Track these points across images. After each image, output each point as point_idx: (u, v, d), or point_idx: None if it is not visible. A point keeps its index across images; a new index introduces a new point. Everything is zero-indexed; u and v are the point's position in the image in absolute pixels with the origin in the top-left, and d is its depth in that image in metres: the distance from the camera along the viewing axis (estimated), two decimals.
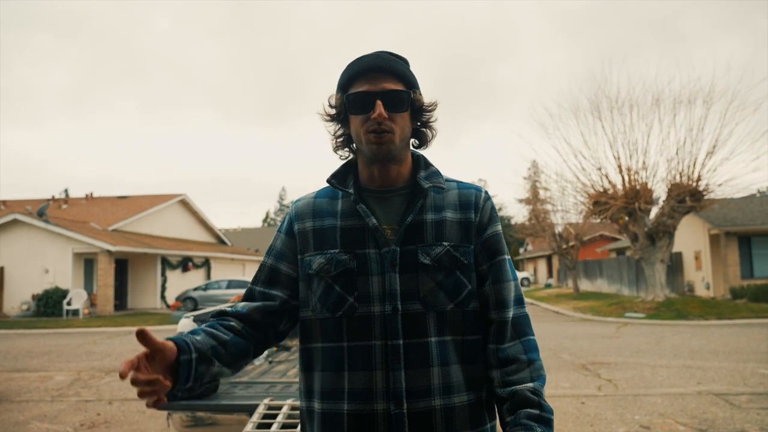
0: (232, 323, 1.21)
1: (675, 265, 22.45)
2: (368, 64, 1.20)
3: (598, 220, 22.58)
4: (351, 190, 1.22)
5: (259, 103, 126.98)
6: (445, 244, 1.19)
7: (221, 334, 1.16)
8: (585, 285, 30.99)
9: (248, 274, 31.72)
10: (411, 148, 1.29)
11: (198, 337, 1.12)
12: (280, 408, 3.12)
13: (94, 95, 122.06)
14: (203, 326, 1.18)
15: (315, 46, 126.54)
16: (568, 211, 24.33)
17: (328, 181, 1.26)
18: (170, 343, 1.04)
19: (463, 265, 1.20)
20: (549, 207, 27.66)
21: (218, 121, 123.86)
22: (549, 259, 42.52)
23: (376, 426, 1.12)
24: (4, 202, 28.98)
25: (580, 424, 5.04)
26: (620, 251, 30.11)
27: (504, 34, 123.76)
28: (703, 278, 21.38)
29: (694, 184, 17.32)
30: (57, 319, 18.33)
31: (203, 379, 1.10)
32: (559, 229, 29.25)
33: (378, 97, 1.16)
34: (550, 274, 42.89)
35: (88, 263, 21.89)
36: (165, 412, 3.45)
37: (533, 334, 1.23)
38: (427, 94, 1.25)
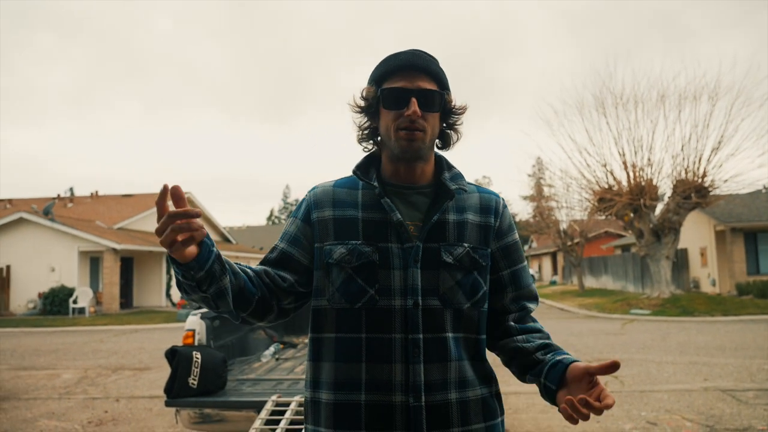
0: (245, 268, 1.20)
1: (680, 262, 22.35)
2: (405, 60, 1.21)
3: (603, 217, 22.51)
4: (375, 183, 1.23)
5: (261, 102, 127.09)
6: (466, 245, 1.22)
7: (235, 267, 1.16)
8: (590, 282, 30.91)
9: None
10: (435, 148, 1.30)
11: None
12: (288, 405, 3.13)
13: (96, 95, 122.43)
14: None
15: (316, 46, 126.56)
16: (572, 207, 24.30)
17: (353, 172, 1.27)
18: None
19: (481, 267, 1.24)
20: (554, 204, 27.62)
21: (221, 121, 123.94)
22: (554, 256, 42.47)
23: (394, 417, 1.13)
24: (9, 201, 29.13)
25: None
26: (625, 248, 30.04)
27: (506, 32, 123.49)
28: (708, 274, 21.30)
29: (700, 181, 17.26)
30: (63, 318, 18.41)
31: (214, 279, 1.06)
32: (563, 226, 29.22)
33: (413, 95, 1.17)
34: (555, 271, 42.85)
35: (93, 261, 21.97)
36: (173, 410, 3.45)
37: None
38: (458, 98, 1.26)
